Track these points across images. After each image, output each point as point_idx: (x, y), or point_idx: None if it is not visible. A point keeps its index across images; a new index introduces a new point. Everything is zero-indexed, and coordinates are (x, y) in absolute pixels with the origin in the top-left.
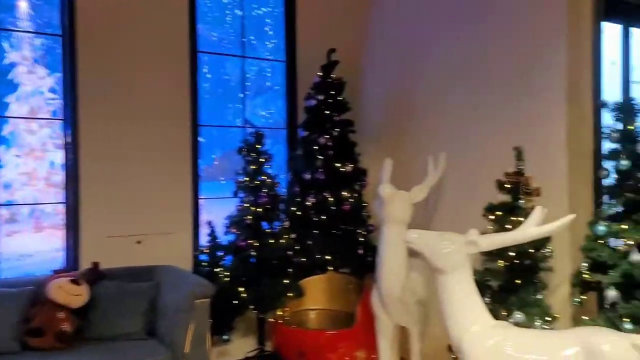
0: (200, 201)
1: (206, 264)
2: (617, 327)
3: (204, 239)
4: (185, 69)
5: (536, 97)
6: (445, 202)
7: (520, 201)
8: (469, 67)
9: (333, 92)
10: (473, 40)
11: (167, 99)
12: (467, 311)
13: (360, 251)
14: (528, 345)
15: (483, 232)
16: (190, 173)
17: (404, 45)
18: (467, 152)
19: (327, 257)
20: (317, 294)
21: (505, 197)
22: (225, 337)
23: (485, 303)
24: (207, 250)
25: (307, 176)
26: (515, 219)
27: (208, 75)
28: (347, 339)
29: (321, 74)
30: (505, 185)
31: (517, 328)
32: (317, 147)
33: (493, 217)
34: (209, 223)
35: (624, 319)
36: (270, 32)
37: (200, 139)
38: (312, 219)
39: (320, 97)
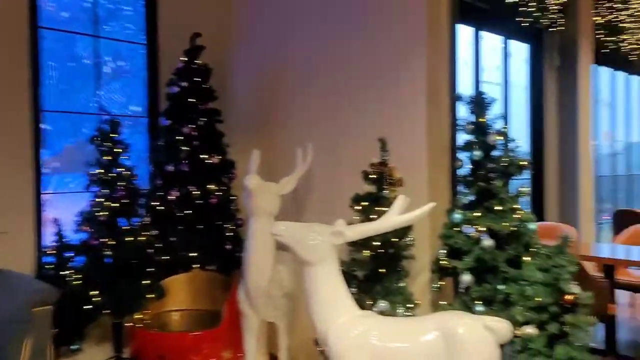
0: (45, 196)
1: (52, 266)
2: (471, 310)
3: (50, 239)
4: (24, 47)
5: (399, 92)
6: (315, 194)
7: (385, 191)
8: (338, 61)
9: (198, 79)
10: (341, 36)
11: None
12: (333, 303)
13: (229, 246)
14: (391, 334)
15: (350, 223)
16: (31, 164)
17: (272, 36)
18: (336, 144)
19: (192, 254)
20: (181, 294)
21: (370, 188)
22: (74, 346)
23: (352, 293)
24: (54, 251)
25: (170, 168)
26: (380, 208)
27: (52, 64)
28: (213, 339)
29: (185, 59)
30: (371, 176)
31: (382, 317)
32: (181, 137)
33: (359, 207)
34: (55, 220)
35: (477, 302)
36: (129, 13)
37: (44, 126)
38: (175, 214)
39: (184, 84)
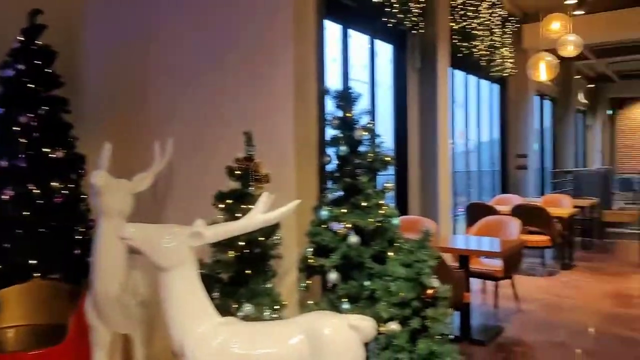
0: None
1: None
2: (337, 308)
3: None
4: None
5: (266, 86)
6: (177, 192)
7: (250, 188)
8: (202, 51)
9: (39, 62)
10: (206, 25)
11: None
12: (191, 310)
13: (77, 251)
14: (255, 340)
15: (215, 222)
16: None
17: (130, 19)
18: (199, 138)
19: (31, 261)
20: (17, 308)
21: (235, 184)
22: None
23: (215, 298)
24: None
25: (4, 163)
26: (246, 206)
27: None
28: (56, 357)
29: (22, 39)
30: (236, 172)
31: (245, 323)
32: (17, 128)
33: (223, 205)
34: None
35: (343, 300)
36: None
37: None
38: (10, 216)
39: (21, 67)
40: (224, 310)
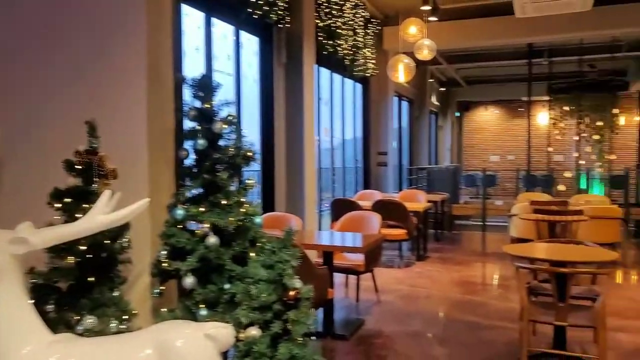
0: None
1: None
2: (194, 315)
3: None
4: None
5: (114, 72)
6: (6, 189)
7: (94, 185)
8: (40, 30)
9: None
10: (45, 2)
11: None
12: (12, 329)
13: None
14: (95, 358)
15: (51, 224)
16: None
17: None
18: (33, 128)
19: None
20: None
21: (76, 181)
22: None
23: (50, 311)
24: None
25: None
26: (87, 206)
27: None
28: None
29: None
30: (76, 167)
31: (84, 339)
32: None
33: (60, 205)
34: None
35: (200, 306)
36: None
37: None
38: None
39: None
40: (62, 324)
